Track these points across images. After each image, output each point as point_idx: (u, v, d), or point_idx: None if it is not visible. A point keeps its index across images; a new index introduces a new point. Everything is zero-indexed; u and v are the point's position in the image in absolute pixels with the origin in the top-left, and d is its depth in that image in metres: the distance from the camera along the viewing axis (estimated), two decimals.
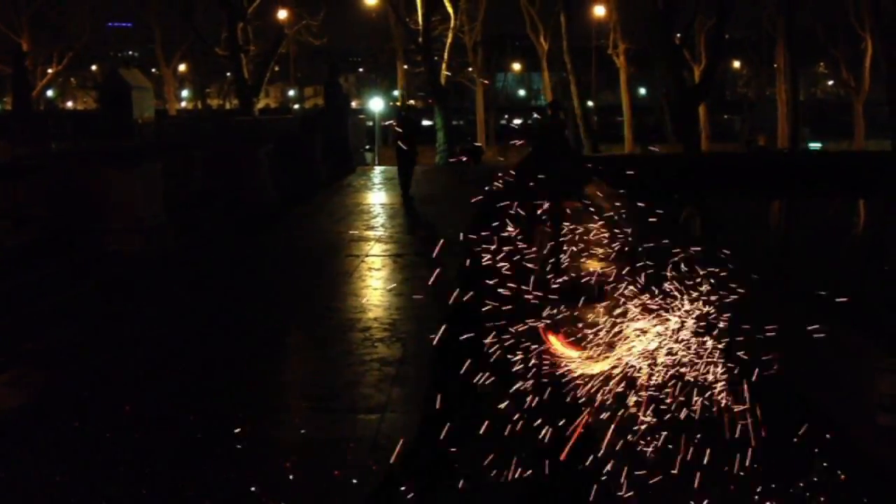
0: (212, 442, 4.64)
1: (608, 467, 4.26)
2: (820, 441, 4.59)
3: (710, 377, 3.64)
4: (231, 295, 8.45)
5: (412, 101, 27.42)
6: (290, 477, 4.20)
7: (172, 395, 5.41)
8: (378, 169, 24.12)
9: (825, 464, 4.27)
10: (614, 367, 3.69)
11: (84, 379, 5.77)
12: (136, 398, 5.32)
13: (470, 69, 44.42)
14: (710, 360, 3.66)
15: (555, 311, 3.52)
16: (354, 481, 3.82)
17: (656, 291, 3.60)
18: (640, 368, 3.58)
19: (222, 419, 4.95)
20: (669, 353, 3.57)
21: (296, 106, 67.86)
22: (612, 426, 4.35)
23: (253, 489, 4.04)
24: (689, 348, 3.51)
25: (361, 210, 14.33)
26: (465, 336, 3.62)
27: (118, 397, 5.34)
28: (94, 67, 56.97)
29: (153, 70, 54.94)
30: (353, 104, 40.14)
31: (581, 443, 3.75)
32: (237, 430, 4.80)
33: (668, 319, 3.51)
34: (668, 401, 4.43)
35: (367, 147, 30.34)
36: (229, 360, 6.19)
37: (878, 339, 6.12)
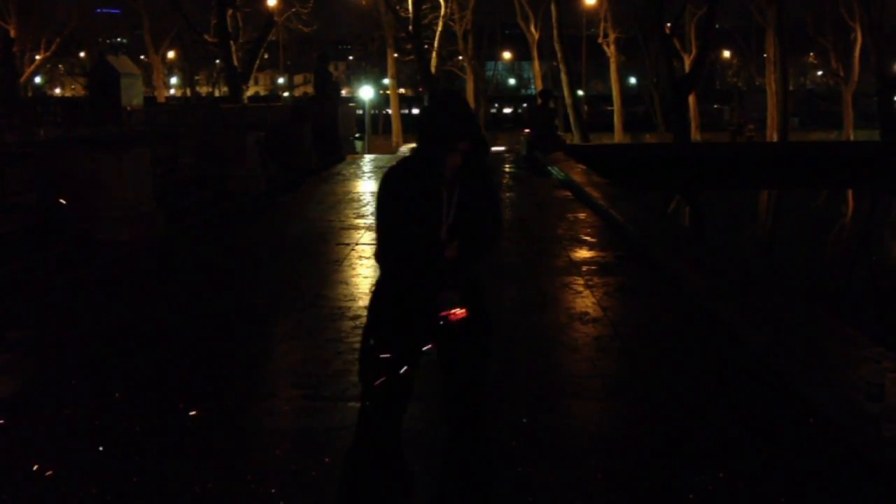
0: (202, 429, 4.65)
1: None
2: (805, 429, 4.62)
3: None
4: (220, 283, 8.45)
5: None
6: (281, 464, 4.21)
7: (162, 383, 5.41)
8: (367, 157, 24.07)
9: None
10: None
11: (73, 367, 5.76)
12: (126, 386, 5.32)
13: (460, 57, 44.36)
14: None
15: None
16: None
17: None
18: None
19: (212, 406, 4.95)
20: None
21: (285, 94, 67.72)
22: None
23: (243, 476, 4.04)
24: None
25: (351, 198, 14.31)
26: None
27: (108, 385, 5.33)
28: (82, 54, 56.67)
29: (142, 57, 54.69)
30: (343, 92, 40.06)
31: None
32: (227, 418, 4.81)
33: None
34: None
35: (357, 135, 30.29)
36: (219, 348, 6.19)
37: (864, 327, 6.16)
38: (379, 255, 3.44)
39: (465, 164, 3.33)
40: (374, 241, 10.27)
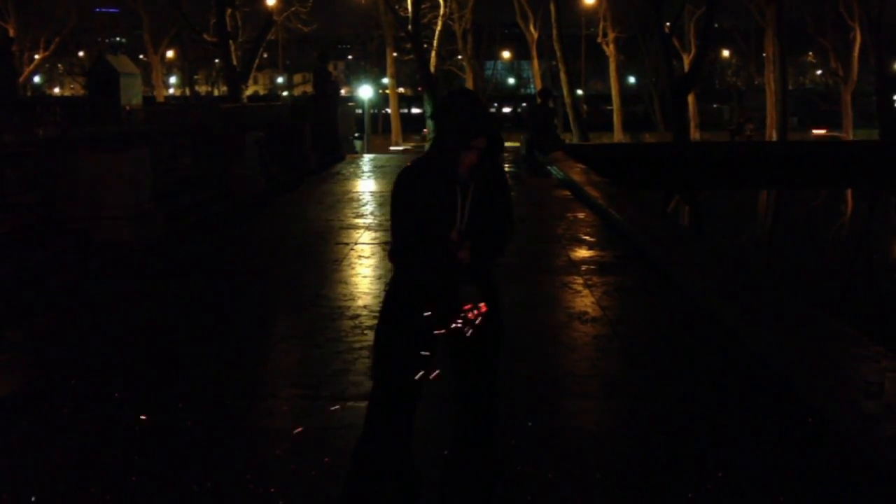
0: (201, 429, 4.64)
1: None
2: (804, 428, 4.63)
3: None
4: (219, 283, 8.45)
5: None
6: (281, 464, 4.21)
7: (161, 382, 5.40)
8: (367, 157, 24.07)
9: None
10: None
11: (71, 366, 5.75)
12: (125, 386, 5.31)
13: (459, 57, 44.35)
14: None
15: None
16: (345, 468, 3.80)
17: None
18: None
19: (211, 406, 4.95)
20: None
21: (285, 93, 67.67)
22: None
23: (243, 476, 4.04)
24: None
25: (351, 198, 14.32)
26: None
27: (106, 385, 5.33)
28: (81, 53, 56.62)
29: (141, 56, 54.67)
30: (343, 92, 40.03)
31: None
32: (227, 418, 4.81)
33: None
34: None
35: (357, 135, 30.28)
36: (218, 348, 6.19)
37: (864, 327, 6.16)
38: (393, 254, 3.43)
39: (480, 161, 3.31)
40: (373, 241, 10.28)
